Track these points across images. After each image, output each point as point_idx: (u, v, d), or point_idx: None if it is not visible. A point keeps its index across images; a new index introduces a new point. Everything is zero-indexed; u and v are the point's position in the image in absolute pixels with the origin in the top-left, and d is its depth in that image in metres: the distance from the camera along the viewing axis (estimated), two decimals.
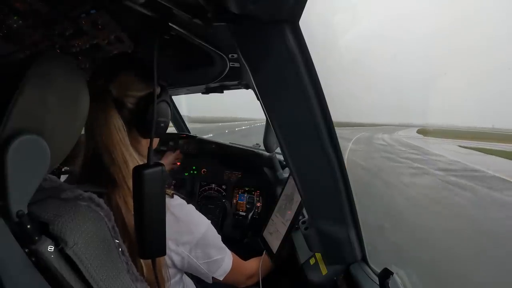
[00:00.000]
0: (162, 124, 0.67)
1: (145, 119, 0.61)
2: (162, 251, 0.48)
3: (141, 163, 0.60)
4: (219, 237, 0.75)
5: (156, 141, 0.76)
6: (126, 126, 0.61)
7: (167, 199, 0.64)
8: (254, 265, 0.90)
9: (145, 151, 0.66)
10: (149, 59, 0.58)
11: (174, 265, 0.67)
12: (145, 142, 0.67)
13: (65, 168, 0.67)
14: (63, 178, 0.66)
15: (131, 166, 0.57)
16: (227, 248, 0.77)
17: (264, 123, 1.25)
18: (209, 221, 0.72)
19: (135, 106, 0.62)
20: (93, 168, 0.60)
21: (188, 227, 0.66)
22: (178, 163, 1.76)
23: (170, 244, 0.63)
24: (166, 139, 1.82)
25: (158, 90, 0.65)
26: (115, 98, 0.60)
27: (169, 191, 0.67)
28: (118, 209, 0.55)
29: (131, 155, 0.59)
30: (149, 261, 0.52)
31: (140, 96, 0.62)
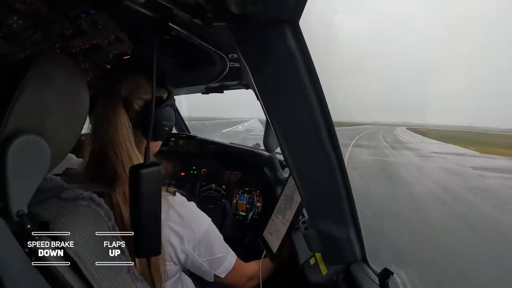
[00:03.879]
0: (166, 128, 0.69)
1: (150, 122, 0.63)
2: (157, 250, 0.48)
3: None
4: (220, 235, 0.75)
5: (159, 143, 0.78)
6: (132, 127, 0.62)
7: (170, 197, 0.65)
8: (255, 267, 0.89)
9: None
10: (149, 59, 0.58)
11: (180, 263, 0.67)
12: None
13: (67, 168, 0.68)
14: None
15: (134, 163, 0.58)
16: (229, 247, 0.77)
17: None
18: (210, 218, 0.72)
19: (141, 109, 0.64)
20: (98, 166, 0.61)
21: (191, 224, 0.66)
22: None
23: (175, 242, 0.64)
24: (166, 139, 1.82)
25: (165, 95, 0.69)
26: (124, 98, 0.62)
27: (170, 189, 0.67)
28: (118, 208, 0.55)
29: (135, 153, 0.61)
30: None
31: (147, 99, 0.64)
